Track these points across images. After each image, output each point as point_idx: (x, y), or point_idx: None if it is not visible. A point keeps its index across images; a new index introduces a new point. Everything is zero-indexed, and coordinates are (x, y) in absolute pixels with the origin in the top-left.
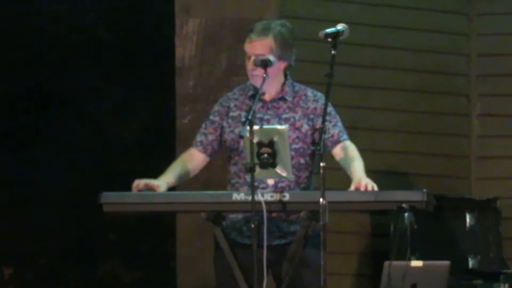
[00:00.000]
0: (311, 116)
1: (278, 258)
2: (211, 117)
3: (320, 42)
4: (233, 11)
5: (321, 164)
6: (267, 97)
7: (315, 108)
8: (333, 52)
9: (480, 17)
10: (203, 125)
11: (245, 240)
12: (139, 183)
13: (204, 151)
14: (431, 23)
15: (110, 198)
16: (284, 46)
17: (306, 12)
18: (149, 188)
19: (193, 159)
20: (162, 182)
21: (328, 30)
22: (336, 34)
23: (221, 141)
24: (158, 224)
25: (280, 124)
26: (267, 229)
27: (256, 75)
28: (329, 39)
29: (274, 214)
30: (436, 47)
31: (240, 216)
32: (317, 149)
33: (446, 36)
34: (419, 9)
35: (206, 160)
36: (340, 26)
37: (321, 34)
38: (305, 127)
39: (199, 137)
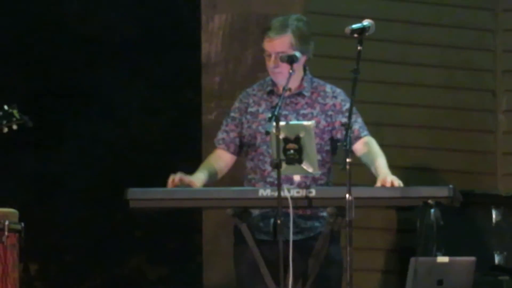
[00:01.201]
0: (330, 112)
1: (295, 253)
2: (232, 114)
3: (345, 38)
4: (259, 6)
5: (348, 160)
6: (285, 92)
7: (334, 105)
8: (359, 48)
9: (506, 13)
10: (224, 122)
11: (262, 236)
12: (174, 178)
13: (227, 148)
14: (457, 19)
15: (136, 194)
16: (303, 40)
17: (331, 8)
18: (185, 184)
19: (221, 159)
20: (197, 179)
21: (354, 26)
22: (362, 30)
23: (241, 137)
24: (184, 220)
25: (298, 120)
26: (283, 225)
27: (278, 73)
28: (355, 35)
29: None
30: (462, 42)
31: (256, 212)
32: (343, 144)
33: (472, 32)
34: (444, 5)
35: (233, 158)
36: (366, 22)
37: (347, 29)
38: (323, 123)
39: (220, 135)
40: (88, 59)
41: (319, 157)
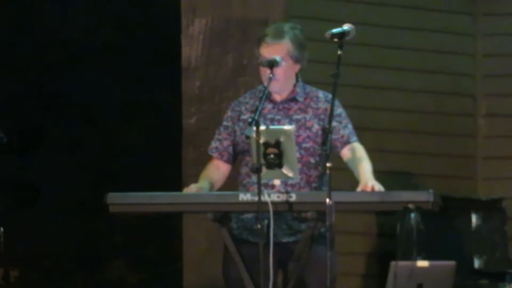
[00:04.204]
0: (322, 116)
1: (288, 256)
2: (224, 123)
3: (326, 42)
4: (239, 11)
5: (328, 164)
6: (278, 98)
7: (326, 109)
8: (339, 52)
9: (485, 17)
10: (217, 131)
11: (256, 238)
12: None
13: (221, 157)
14: (437, 23)
15: (116, 199)
16: (300, 48)
17: (311, 12)
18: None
19: (219, 170)
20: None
21: (334, 30)
22: (342, 34)
23: (235, 145)
24: (164, 225)
25: (291, 124)
26: (277, 226)
27: (275, 80)
28: (335, 39)
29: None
30: (442, 47)
31: (250, 215)
32: (324, 149)
33: (452, 36)
34: (424, 9)
35: (229, 168)
36: (346, 26)
37: (327, 34)
38: (316, 127)
39: (213, 144)
40: (68, 63)
41: (312, 160)
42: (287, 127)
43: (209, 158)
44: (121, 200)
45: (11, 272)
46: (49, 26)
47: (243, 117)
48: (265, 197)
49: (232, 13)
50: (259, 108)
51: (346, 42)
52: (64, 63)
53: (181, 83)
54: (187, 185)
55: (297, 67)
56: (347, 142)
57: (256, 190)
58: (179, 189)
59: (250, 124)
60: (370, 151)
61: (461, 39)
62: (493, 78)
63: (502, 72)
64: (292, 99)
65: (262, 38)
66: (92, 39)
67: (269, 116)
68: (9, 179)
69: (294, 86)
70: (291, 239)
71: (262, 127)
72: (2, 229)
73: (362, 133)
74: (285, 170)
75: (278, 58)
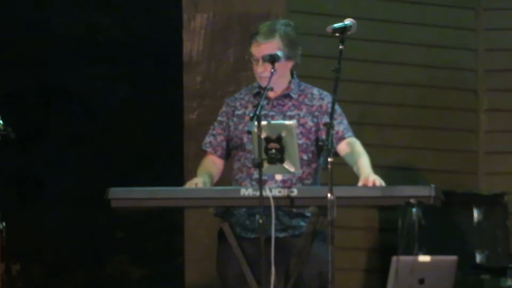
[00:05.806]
0: (316, 113)
1: (278, 251)
2: (219, 118)
3: (327, 37)
4: (241, 5)
5: (329, 159)
6: (272, 94)
7: (320, 106)
8: (340, 47)
9: (487, 12)
10: (211, 127)
11: (248, 234)
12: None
13: (215, 152)
14: (439, 18)
15: (118, 194)
16: (291, 45)
17: (313, 7)
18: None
19: (215, 164)
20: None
21: (336, 25)
22: (344, 29)
23: (228, 140)
24: (166, 220)
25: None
26: (268, 222)
27: (265, 77)
28: (337, 34)
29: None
30: (444, 42)
31: (242, 210)
32: (325, 144)
33: (453, 31)
34: (426, 4)
35: (222, 164)
36: (347, 21)
37: (329, 29)
38: (309, 124)
39: (207, 139)
40: (69, 59)
41: (305, 157)
42: (288, 122)
43: (205, 153)
44: (122, 195)
45: (13, 267)
46: (52, 21)
47: (237, 112)
48: (267, 192)
49: (233, 8)
50: (261, 103)
51: (347, 37)
52: (66, 57)
53: (183, 78)
54: (189, 179)
55: (289, 64)
56: (342, 137)
57: (248, 185)
58: (181, 184)
59: (251, 119)
60: (371, 146)
61: (463, 34)
62: (495, 72)
63: (504, 67)
64: (286, 95)
65: (253, 37)
66: (94, 34)
67: (263, 112)
68: (11, 174)
69: (289, 82)
70: (281, 234)
71: (264, 122)
72: (4, 224)
73: (364, 128)
74: (286, 165)
75: (279, 53)
